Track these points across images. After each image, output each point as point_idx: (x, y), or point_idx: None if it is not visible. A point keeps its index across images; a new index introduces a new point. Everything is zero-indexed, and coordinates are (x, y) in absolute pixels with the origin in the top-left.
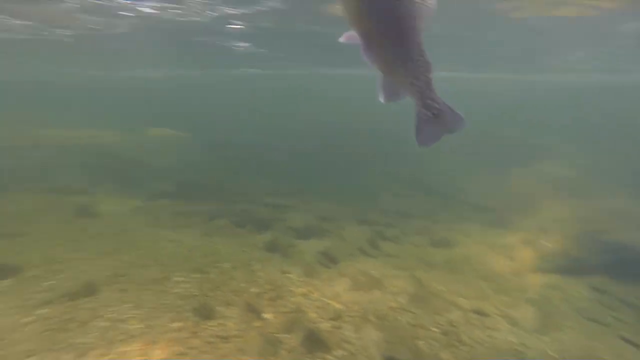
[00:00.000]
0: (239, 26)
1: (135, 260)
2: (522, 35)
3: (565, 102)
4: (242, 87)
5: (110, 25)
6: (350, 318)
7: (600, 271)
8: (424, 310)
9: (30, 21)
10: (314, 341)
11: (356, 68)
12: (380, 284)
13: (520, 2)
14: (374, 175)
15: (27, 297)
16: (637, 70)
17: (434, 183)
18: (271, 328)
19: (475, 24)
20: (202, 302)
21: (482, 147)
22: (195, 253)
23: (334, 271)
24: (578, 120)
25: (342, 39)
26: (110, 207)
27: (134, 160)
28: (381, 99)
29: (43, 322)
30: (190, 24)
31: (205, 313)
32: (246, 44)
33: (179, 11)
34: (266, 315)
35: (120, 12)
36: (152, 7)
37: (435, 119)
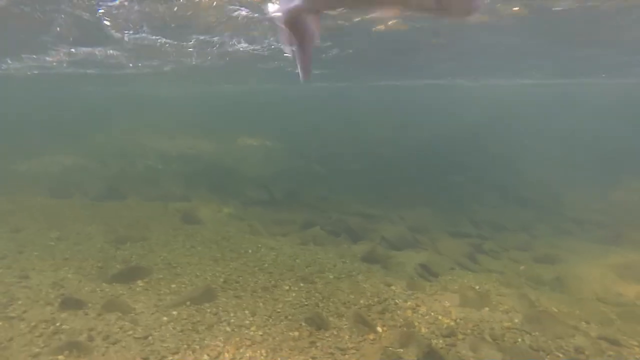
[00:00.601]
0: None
1: (242, 267)
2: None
3: None
4: (331, 100)
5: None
6: (464, 336)
7: None
8: (542, 332)
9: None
10: (432, 358)
11: (433, 78)
12: (489, 301)
13: None
14: (465, 185)
15: (161, 297)
16: None
17: (529, 193)
18: (385, 342)
19: None
20: (314, 311)
21: (580, 155)
22: (298, 262)
23: (437, 285)
24: None
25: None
26: (210, 214)
27: (229, 169)
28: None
29: (178, 323)
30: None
31: (318, 323)
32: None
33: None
34: (378, 329)
35: None
36: None
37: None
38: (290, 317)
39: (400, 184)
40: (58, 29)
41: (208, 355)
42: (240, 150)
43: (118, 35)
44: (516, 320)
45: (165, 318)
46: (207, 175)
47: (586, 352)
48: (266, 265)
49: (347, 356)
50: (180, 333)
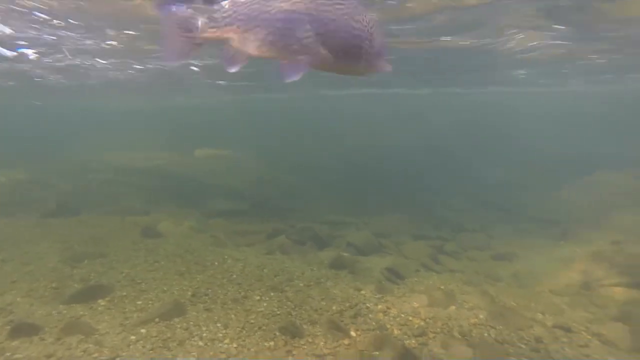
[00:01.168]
0: None
1: (210, 280)
2: None
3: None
4: (296, 110)
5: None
6: (434, 334)
7: None
8: (505, 326)
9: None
10: (408, 358)
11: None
12: (454, 300)
13: None
14: (428, 190)
15: (127, 316)
16: None
17: (488, 197)
18: (361, 346)
19: None
20: (287, 320)
21: (536, 159)
22: (266, 271)
23: (404, 287)
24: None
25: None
26: (171, 227)
27: (190, 181)
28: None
29: (147, 341)
30: None
31: (292, 331)
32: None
33: None
34: (352, 333)
35: None
36: None
37: None
38: (264, 327)
39: (365, 192)
40: None
41: None
42: (201, 162)
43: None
44: (481, 316)
45: (133, 337)
46: (167, 188)
47: (544, 340)
48: (234, 276)
49: None
50: (151, 351)
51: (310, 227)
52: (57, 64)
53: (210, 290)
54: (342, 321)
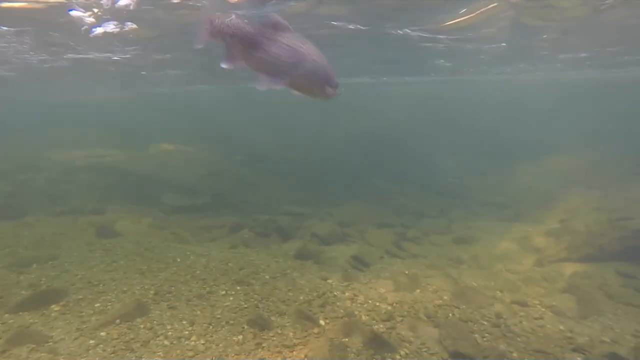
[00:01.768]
0: None
1: (173, 277)
2: None
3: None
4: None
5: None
6: (402, 318)
7: (625, 257)
8: (468, 305)
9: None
10: (377, 342)
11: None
12: (419, 283)
13: None
14: (384, 179)
15: (84, 319)
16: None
17: (443, 184)
18: (330, 334)
19: None
20: (255, 313)
21: (484, 147)
22: (230, 265)
23: (370, 274)
24: (578, 114)
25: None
26: (128, 226)
27: (145, 177)
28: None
29: (108, 344)
30: None
31: (261, 324)
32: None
33: None
34: (321, 322)
35: None
36: None
37: None
38: (231, 322)
39: (320, 182)
40: None
41: None
42: (155, 157)
43: None
44: (445, 298)
45: (92, 341)
46: (121, 185)
47: (504, 316)
48: (198, 272)
49: (295, 352)
50: (113, 355)
51: (273, 220)
52: None
53: (173, 288)
54: (310, 311)
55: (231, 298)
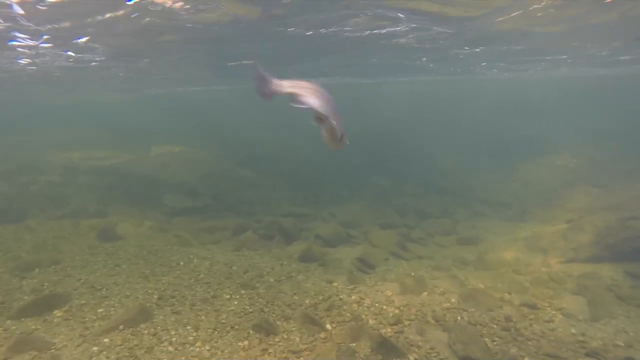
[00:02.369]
0: None
1: (176, 281)
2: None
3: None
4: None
5: None
6: (409, 321)
7: (634, 258)
8: (477, 307)
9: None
10: (386, 347)
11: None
12: (425, 286)
13: None
14: (385, 179)
15: (87, 325)
16: None
17: (445, 183)
18: (337, 339)
19: None
20: (260, 317)
21: (485, 145)
22: (234, 269)
23: (375, 276)
24: (577, 112)
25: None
26: (131, 229)
27: (146, 179)
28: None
29: (111, 351)
30: None
31: (266, 328)
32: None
33: None
34: (327, 326)
35: None
36: None
37: None
38: (236, 327)
39: (320, 182)
40: None
41: None
42: (157, 158)
43: None
44: (453, 300)
45: (95, 348)
46: (123, 187)
47: (513, 319)
48: (201, 276)
49: (301, 358)
50: None
51: (276, 221)
52: None
53: (177, 292)
54: (316, 315)
55: (236, 302)
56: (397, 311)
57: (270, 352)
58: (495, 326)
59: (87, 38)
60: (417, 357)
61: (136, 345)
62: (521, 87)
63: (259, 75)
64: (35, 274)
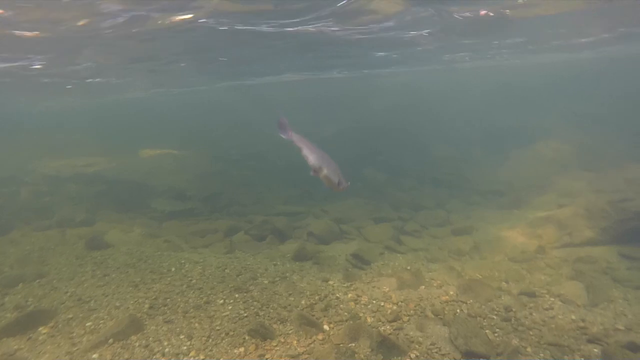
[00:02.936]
0: None
1: (168, 288)
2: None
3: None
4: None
5: None
6: (408, 317)
7: (628, 239)
8: (475, 299)
9: None
10: (386, 346)
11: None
12: (422, 279)
13: None
14: (376, 172)
15: (75, 341)
16: None
17: (438, 174)
18: (336, 339)
19: None
20: (255, 322)
21: (474, 135)
22: (227, 272)
23: (371, 272)
24: (564, 97)
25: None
26: (120, 236)
27: (134, 183)
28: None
29: None
30: None
31: (262, 333)
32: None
33: None
34: (325, 327)
35: None
36: None
37: None
38: (231, 333)
39: (311, 179)
40: None
41: None
42: (144, 162)
43: None
44: (451, 293)
45: None
46: (110, 194)
47: (513, 309)
48: (194, 281)
49: None
50: None
51: (268, 221)
52: None
53: (169, 300)
54: (313, 315)
55: (230, 307)
56: (395, 307)
57: (267, 358)
58: (495, 317)
59: None
60: (418, 354)
61: (127, 359)
62: (507, 73)
63: (281, 122)
64: (19, 289)
